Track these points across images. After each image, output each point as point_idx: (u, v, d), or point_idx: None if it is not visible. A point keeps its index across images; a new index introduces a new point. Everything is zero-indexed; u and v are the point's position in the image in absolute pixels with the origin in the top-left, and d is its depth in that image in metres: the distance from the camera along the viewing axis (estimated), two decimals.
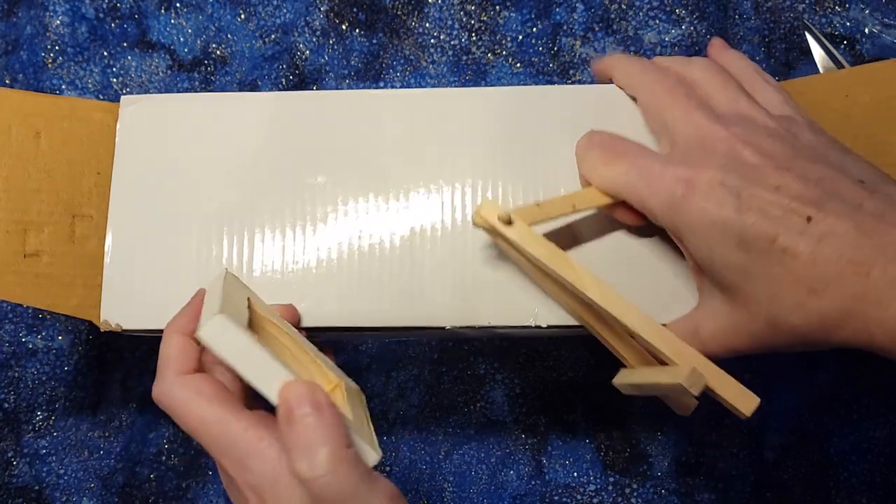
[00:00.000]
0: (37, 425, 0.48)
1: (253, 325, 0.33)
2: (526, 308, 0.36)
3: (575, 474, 0.47)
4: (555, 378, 0.48)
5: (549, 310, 0.36)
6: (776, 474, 0.47)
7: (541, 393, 0.48)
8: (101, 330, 0.37)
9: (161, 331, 0.33)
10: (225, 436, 0.29)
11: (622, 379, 0.35)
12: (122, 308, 0.37)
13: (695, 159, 0.30)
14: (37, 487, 0.48)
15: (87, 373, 0.49)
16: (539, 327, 0.36)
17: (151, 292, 0.37)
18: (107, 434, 0.48)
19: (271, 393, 0.29)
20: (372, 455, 0.30)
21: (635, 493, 0.47)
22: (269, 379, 0.29)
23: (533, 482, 0.47)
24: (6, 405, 0.48)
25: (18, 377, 0.49)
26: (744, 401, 0.31)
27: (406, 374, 0.49)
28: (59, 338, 0.49)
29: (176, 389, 0.31)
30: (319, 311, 0.37)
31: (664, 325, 0.34)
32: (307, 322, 0.37)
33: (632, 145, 0.33)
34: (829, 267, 0.27)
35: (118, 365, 0.49)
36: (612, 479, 0.47)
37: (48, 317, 0.49)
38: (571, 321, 0.36)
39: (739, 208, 0.28)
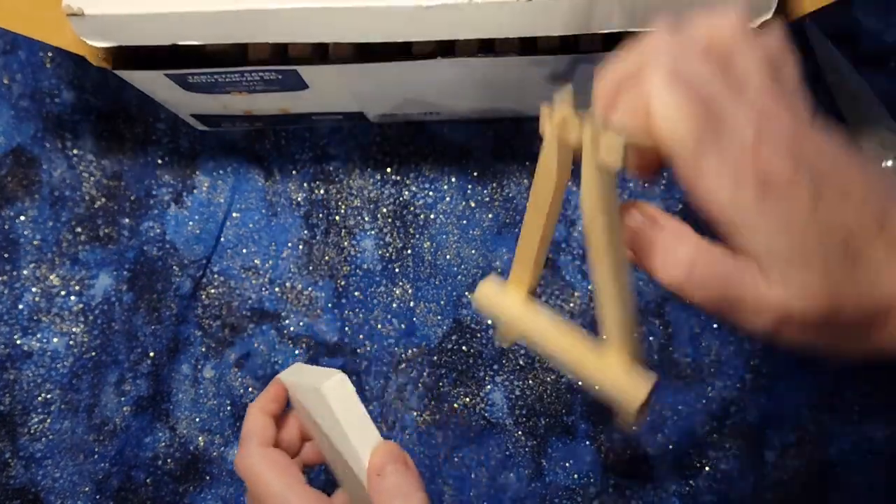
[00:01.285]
0: (32, 428, 0.48)
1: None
2: None
3: (575, 476, 0.47)
4: (554, 380, 0.48)
5: None
6: (776, 474, 0.47)
7: (540, 395, 0.48)
8: (66, 14, 0.35)
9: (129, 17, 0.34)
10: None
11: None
12: None
13: (762, 143, 0.25)
14: (34, 490, 0.47)
15: (82, 375, 0.48)
16: None
17: None
18: (101, 438, 0.48)
19: (365, 450, 0.35)
20: None
21: (636, 496, 0.47)
22: (366, 439, 0.35)
23: (533, 484, 0.47)
24: (1, 407, 0.48)
25: (14, 380, 0.48)
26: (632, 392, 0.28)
27: (405, 377, 0.48)
28: (55, 340, 0.48)
29: (257, 459, 0.36)
30: None
31: None
32: None
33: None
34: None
35: (113, 368, 0.48)
36: (612, 482, 0.47)
37: (44, 319, 0.49)
38: None
39: (816, 205, 0.24)
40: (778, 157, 0.24)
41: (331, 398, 0.35)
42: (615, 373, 0.29)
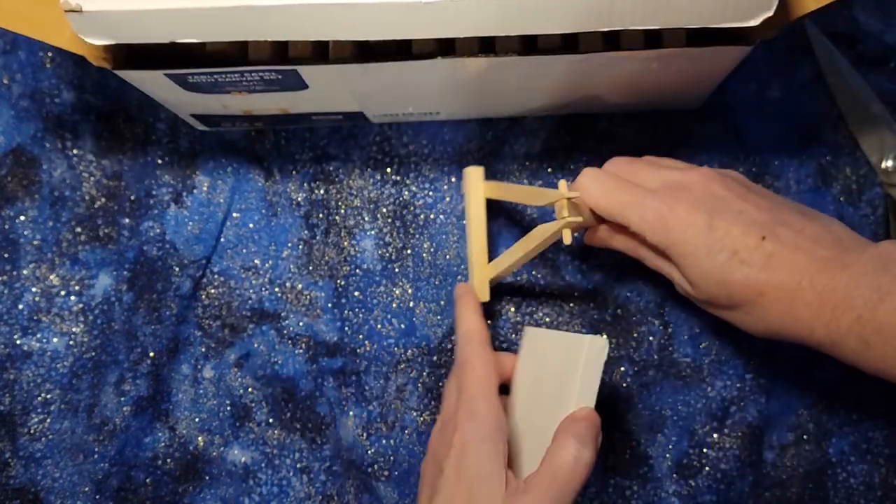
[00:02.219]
0: (32, 428, 0.48)
1: None
2: None
3: None
4: None
5: None
6: (775, 474, 0.47)
7: None
8: (64, 10, 0.34)
9: (128, 13, 0.34)
10: (486, 392, 0.39)
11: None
12: None
13: (673, 196, 0.38)
14: (33, 489, 0.47)
15: (82, 375, 0.48)
16: None
17: None
18: (101, 437, 0.48)
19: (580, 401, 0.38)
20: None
21: (636, 495, 0.47)
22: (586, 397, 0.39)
23: None
24: (1, 407, 0.48)
25: (14, 379, 0.48)
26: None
27: (405, 377, 0.48)
28: (55, 340, 0.48)
29: (482, 353, 0.41)
30: None
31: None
32: None
33: (630, 184, 0.40)
34: (774, 276, 0.36)
35: (113, 368, 0.48)
36: (612, 482, 0.47)
37: (44, 319, 0.49)
38: None
39: (710, 228, 0.37)
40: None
41: (588, 350, 0.38)
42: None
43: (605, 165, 0.43)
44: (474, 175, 0.48)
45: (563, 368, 0.39)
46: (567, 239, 0.40)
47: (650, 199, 0.39)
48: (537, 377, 0.41)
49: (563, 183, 0.42)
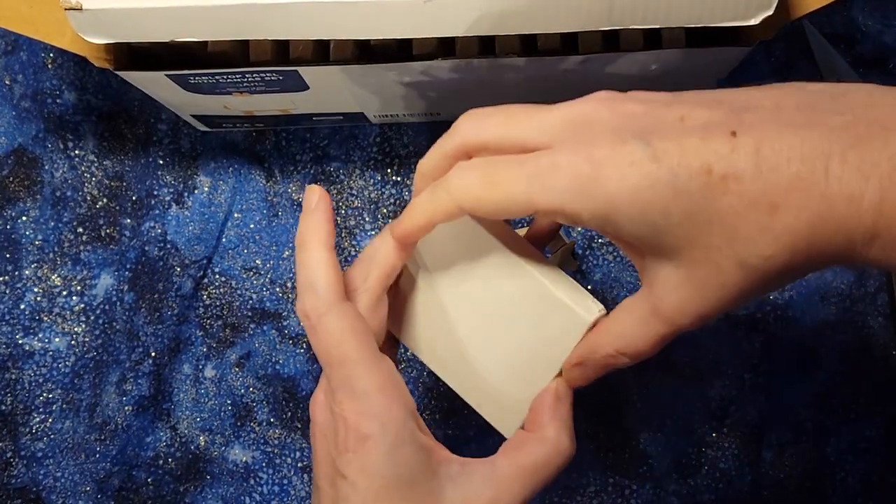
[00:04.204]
0: (33, 428, 0.48)
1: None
2: None
3: (574, 475, 0.47)
4: None
5: None
6: (773, 473, 0.47)
7: None
8: (64, 9, 0.34)
9: (128, 12, 0.33)
10: (358, 379, 0.29)
11: None
12: None
13: (582, 139, 0.26)
14: (35, 489, 0.48)
15: (83, 375, 0.48)
16: None
17: None
18: (103, 437, 0.48)
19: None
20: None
21: (635, 494, 0.47)
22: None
23: None
24: (3, 407, 0.48)
25: (15, 379, 0.48)
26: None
27: (405, 377, 0.49)
28: (57, 340, 0.49)
29: (334, 317, 0.30)
30: None
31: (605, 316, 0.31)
32: None
33: (502, 158, 0.28)
34: (780, 175, 0.23)
35: (115, 368, 0.48)
36: (611, 480, 0.47)
37: (45, 319, 0.49)
38: None
39: (655, 157, 0.24)
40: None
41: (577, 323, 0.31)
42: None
43: (450, 142, 0.31)
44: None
45: (541, 323, 0.32)
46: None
47: (548, 158, 0.26)
48: (498, 312, 0.33)
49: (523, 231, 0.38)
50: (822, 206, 0.23)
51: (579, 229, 0.49)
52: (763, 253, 0.24)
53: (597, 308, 0.31)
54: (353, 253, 0.49)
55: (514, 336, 0.33)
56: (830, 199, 0.23)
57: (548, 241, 0.37)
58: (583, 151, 0.25)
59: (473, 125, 0.30)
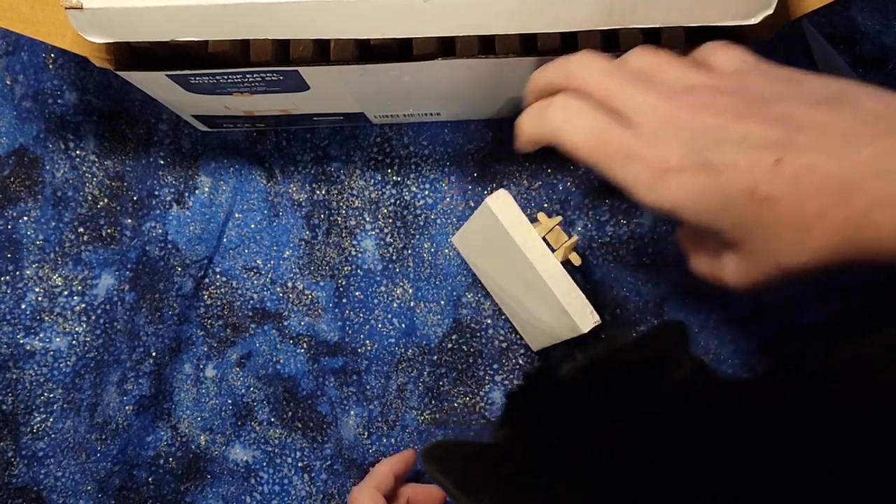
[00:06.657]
0: (34, 427, 0.48)
1: None
2: None
3: None
4: None
5: None
6: None
7: None
8: (65, 8, 0.34)
9: (129, 11, 0.34)
10: None
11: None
12: None
13: (661, 140, 0.30)
14: (36, 489, 0.48)
15: (84, 375, 0.48)
16: None
17: None
18: (104, 437, 0.48)
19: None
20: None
21: None
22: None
23: None
24: (4, 407, 0.48)
25: (16, 379, 0.48)
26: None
27: (405, 377, 0.49)
28: (57, 340, 0.49)
29: (366, 497, 0.42)
30: None
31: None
32: None
33: (601, 116, 0.32)
34: (811, 202, 0.27)
35: (116, 367, 0.49)
36: None
37: (46, 319, 0.49)
38: None
39: (714, 172, 0.29)
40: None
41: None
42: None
43: (561, 75, 0.34)
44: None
45: (547, 311, 0.41)
46: (576, 261, 0.43)
47: (638, 145, 0.31)
48: (518, 288, 0.44)
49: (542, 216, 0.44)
50: (850, 231, 0.27)
51: (579, 228, 0.49)
52: (798, 260, 0.28)
53: (592, 320, 0.38)
54: (353, 253, 0.50)
55: (530, 304, 0.43)
56: (857, 220, 0.27)
57: None
58: (662, 151, 0.30)
59: (587, 78, 0.33)
